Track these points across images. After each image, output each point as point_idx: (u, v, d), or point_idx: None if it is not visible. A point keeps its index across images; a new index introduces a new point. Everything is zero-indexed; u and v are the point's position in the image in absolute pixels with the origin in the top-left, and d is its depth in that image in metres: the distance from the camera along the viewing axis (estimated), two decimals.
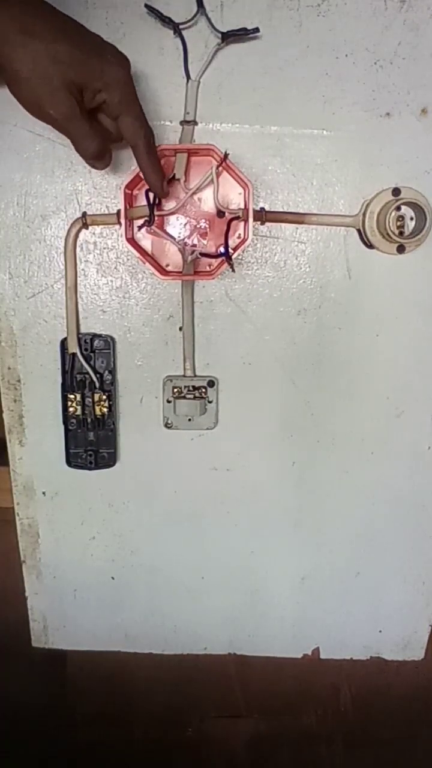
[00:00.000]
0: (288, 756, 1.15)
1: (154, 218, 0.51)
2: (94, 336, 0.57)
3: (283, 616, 0.68)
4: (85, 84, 0.42)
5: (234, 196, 0.54)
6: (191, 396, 0.59)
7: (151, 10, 0.49)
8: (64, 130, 0.44)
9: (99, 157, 0.46)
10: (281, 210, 0.54)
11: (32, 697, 1.12)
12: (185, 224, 0.54)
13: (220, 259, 0.52)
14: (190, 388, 0.59)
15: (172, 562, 0.65)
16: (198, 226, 0.54)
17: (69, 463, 0.61)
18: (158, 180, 0.49)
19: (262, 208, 0.54)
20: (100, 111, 0.46)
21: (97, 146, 0.45)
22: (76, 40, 0.41)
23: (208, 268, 0.55)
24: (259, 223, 0.54)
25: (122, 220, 0.52)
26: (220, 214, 0.52)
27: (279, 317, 0.57)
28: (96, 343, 0.57)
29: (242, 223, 0.52)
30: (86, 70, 0.42)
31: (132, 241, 0.53)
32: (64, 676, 1.10)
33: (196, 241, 0.55)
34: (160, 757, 1.14)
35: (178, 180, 0.51)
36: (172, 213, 0.53)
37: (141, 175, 0.50)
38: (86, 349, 0.57)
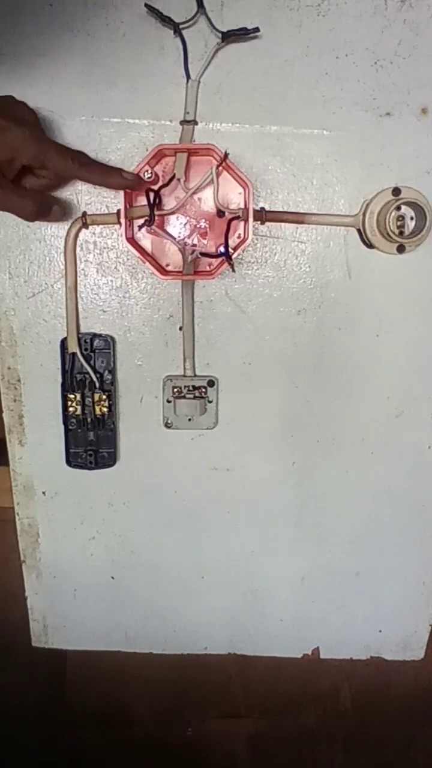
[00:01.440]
0: (288, 756, 1.15)
1: (154, 218, 0.51)
2: (94, 336, 0.57)
3: (283, 616, 0.68)
4: None
5: (234, 196, 0.54)
6: (191, 396, 0.59)
7: (151, 10, 0.49)
8: None
9: (43, 214, 0.48)
10: (281, 210, 0.54)
11: (32, 697, 1.12)
12: (185, 224, 0.54)
13: (220, 259, 0.52)
14: (190, 388, 0.59)
15: (172, 562, 0.65)
16: (198, 225, 0.54)
17: (69, 462, 0.61)
18: (118, 179, 0.49)
19: (262, 208, 0.54)
20: (26, 171, 0.47)
21: (32, 208, 0.46)
22: None
23: (208, 268, 0.55)
24: (259, 222, 0.54)
25: (122, 220, 0.52)
26: (220, 213, 0.52)
27: (279, 317, 0.57)
28: (96, 342, 0.57)
29: (242, 223, 0.52)
30: None
31: (132, 240, 0.53)
32: (64, 676, 1.11)
33: (196, 241, 0.55)
34: (160, 757, 1.14)
35: (179, 180, 0.51)
36: (172, 213, 0.53)
37: (140, 174, 0.50)
38: (86, 349, 0.57)
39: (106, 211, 0.54)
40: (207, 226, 0.54)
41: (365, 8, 0.51)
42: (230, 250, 0.51)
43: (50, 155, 0.46)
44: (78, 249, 0.55)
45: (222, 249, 0.51)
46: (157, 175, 0.52)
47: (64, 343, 0.57)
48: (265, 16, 0.51)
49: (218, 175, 0.51)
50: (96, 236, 0.55)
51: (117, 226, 0.54)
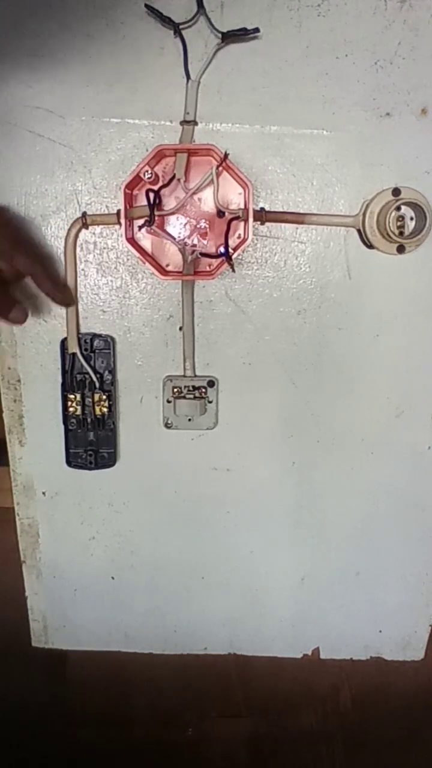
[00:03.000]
0: (288, 756, 1.15)
1: (154, 218, 0.51)
2: (94, 336, 0.57)
3: (283, 616, 0.68)
4: None
5: (234, 196, 0.54)
6: (191, 396, 0.59)
7: (151, 10, 0.49)
8: None
9: (4, 311, 0.50)
10: (281, 210, 0.54)
11: (32, 697, 1.12)
12: (185, 224, 0.54)
13: (220, 259, 0.52)
14: (190, 388, 0.59)
15: (172, 562, 0.65)
16: (198, 226, 0.54)
17: (69, 463, 0.61)
18: (67, 298, 0.54)
19: (262, 208, 0.54)
20: None
21: None
22: None
23: (208, 268, 0.55)
24: (259, 223, 0.54)
25: (122, 220, 0.52)
26: (220, 214, 0.52)
27: (279, 317, 0.57)
28: (96, 343, 0.57)
29: (242, 223, 0.52)
30: None
31: (132, 241, 0.53)
32: (64, 676, 1.11)
33: (196, 241, 0.55)
34: (160, 757, 1.14)
35: (179, 180, 0.51)
36: (172, 213, 0.53)
37: (140, 174, 0.50)
38: (86, 349, 0.57)
39: (106, 212, 0.54)
40: (207, 226, 0.54)
41: (365, 8, 0.51)
42: (230, 251, 0.51)
43: (20, 251, 0.49)
44: (78, 249, 0.55)
45: (222, 249, 0.51)
46: (157, 176, 0.52)
47: (64, 343, 0.57)
48: (265, 16, 0.51)
49: (218, 175, 0.51)
50: (96, 236, 0.55)
51: (117, 227, 0.54)
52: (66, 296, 0.54)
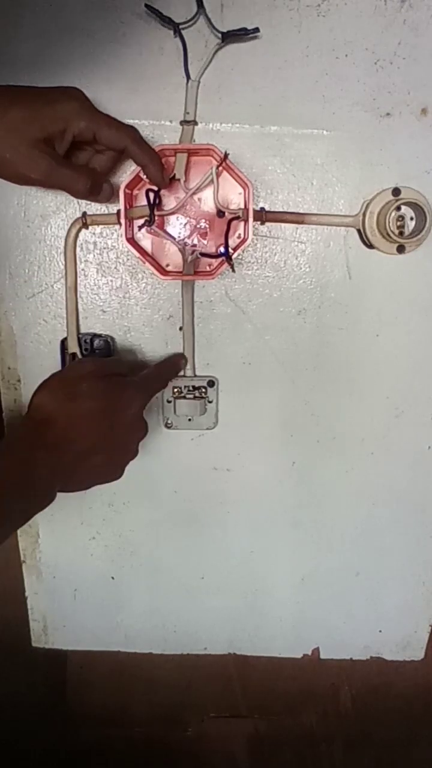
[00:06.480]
0: (288, 756, 1.15)
1: (154, 218, 0.51)
2: (94, 336, 0.57)
3: (283, 616, 0.68)
4: (50, 133, 0.44)
5: (234, 196, 0.54)
6: (191, 396, 0.59)
7: (151, 10, 0.49)
8: (52, 184, 0.46)
9: (95, 191, 0.48)
10: (281, 210, 0.54)
11: (32, 697, 1.12)
12: (185, 224, 0.54)
13: (220, 259, 0.52)
14: (190, 388, 0.59)
15: (172, 562, 0.65)
16: (198, 226, 0.54)
17: None
18: (159, 171, 0.49)
19: (262, 208, 0.54)
20: (78, 149, 0.48)
21: (85, 183, 0.46)
22: (21, 101, 0.43)
23: (208, 268, 0.55)
24: (259, 223, 0.54)
25: (122, 220, 0.52)
26: (220, 214, 0.52)
27: (279, 317, 0.57)
28: (96, 343, 0.57)
29: (242, 223, 0.52)
30: (43, 121, 0.43)
31: (132, 241, 0.53)
32: (64, 675, 1.10)
33: (196, 241, 0.55)
34: (160, 757, 1.14)
35: (178, 180, 0.51)
36: (172, 213, 0.53)
37: (140, 174, 0.51)
38: (86, 349, 0.57)
39: (106, 212, 0.54)
40: (207, 226, 0.54)
41: (365, 8, 0.51)
42: (230, 251, 0.51)
43: (104, 125, 0.46)
44: (78, 249, 0.55)
45: (222, 249, 0.51)
46: None
47: (64, 344, 0.57)
48: (265, 16, 0.51)
49: (218, 175, 0.51)
50: (96, 236, 0.55)
51: (117, 227, 0.54)
52: (164, 172, 0.50)
